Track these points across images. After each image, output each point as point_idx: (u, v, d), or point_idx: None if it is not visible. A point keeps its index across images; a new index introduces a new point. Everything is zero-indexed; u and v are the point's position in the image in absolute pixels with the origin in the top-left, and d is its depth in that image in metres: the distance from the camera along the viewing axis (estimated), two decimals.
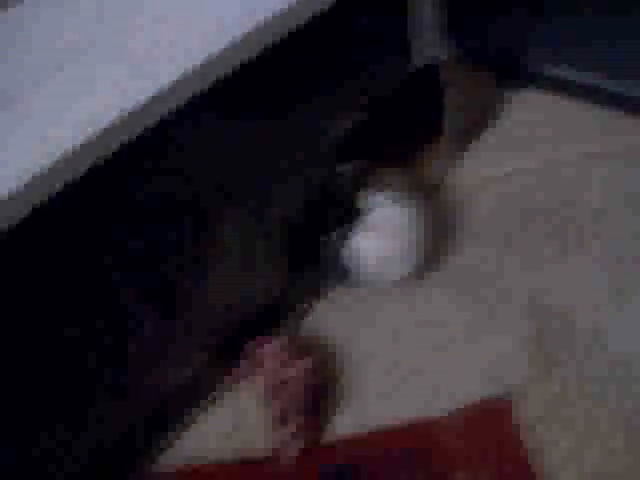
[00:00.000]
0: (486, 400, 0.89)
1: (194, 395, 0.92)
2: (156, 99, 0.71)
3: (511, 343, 0.93)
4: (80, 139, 0.66)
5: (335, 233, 0.96)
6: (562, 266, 1.01)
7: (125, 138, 0.69)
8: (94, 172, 0.67)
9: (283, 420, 0.86)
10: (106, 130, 0.67)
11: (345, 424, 0.89)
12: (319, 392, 0.90)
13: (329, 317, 1.00)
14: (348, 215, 0.96)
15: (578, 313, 0.95)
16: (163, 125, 0.72)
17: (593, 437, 0.83)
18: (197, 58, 0.73)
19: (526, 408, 0.87)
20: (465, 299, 0.99)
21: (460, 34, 1.10)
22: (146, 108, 0.70)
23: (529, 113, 1.23)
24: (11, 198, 0.62)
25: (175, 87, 0.71)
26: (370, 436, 0.88)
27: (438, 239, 1.04)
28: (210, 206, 0.83)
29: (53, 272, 0.69)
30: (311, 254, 0.98)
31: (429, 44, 1.00)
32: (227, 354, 0.93)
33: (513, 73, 1.28)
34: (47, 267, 0.69)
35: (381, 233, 0.96)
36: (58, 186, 0.65)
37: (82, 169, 0.66)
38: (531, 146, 1.18)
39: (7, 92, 0.72)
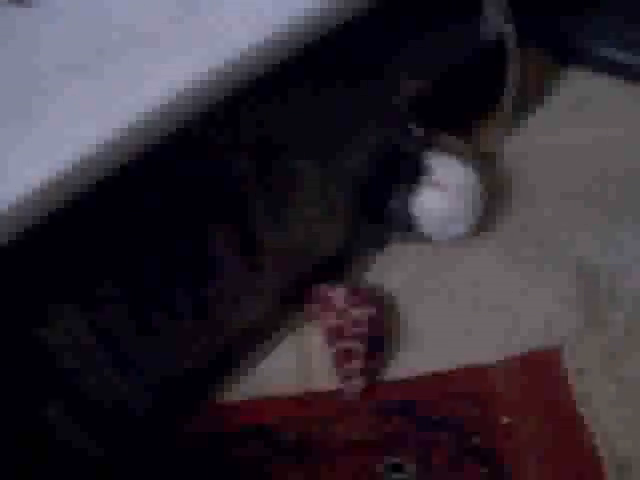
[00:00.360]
0: (536, 351, 0.95)
1: (263, 334, 0.99)
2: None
3: (559, 301, 1.00)
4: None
5: (401, 190, 1.02)
6: (611, 232, 1.07)
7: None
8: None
9: (347, 359, 0.93)
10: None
11: (402, 368, 0.96)
12: (381, 335, 0.97)
13: (390, 268, 1.06)
14: (413, 174, 1.03)
15: (626, 276, 1.01)
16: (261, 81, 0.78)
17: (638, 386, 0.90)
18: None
19: (574, 359, 0.93)
20: (514, 258, 1.05)
21: (518, 12, 1.15)
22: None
23: (579, 90, 1.29)
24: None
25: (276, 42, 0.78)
26: (427, 378, 0.94)
27: (492, 202, 1.10)
28: (289, 159, 0.90)
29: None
30: (377, 209, 1.04)
31: (498, 20, 1.06)
32: (295, 297, 0.99)
33: (566, 52, 1.34)
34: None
35: (444, 192, 1.02)
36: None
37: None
38: (580, 122, 1.24)
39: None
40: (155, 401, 0.89)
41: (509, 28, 1.09)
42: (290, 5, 0.81)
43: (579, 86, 1.30)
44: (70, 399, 0.77)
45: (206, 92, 0.74)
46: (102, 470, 0.84)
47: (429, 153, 1.05)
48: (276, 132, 0.85)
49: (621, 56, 1.29)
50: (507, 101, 1.16)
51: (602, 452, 0.85)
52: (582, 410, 0.89)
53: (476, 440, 0.89)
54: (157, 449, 0.90)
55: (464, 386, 0.94)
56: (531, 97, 1.25)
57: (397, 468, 0.88)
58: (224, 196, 0.85)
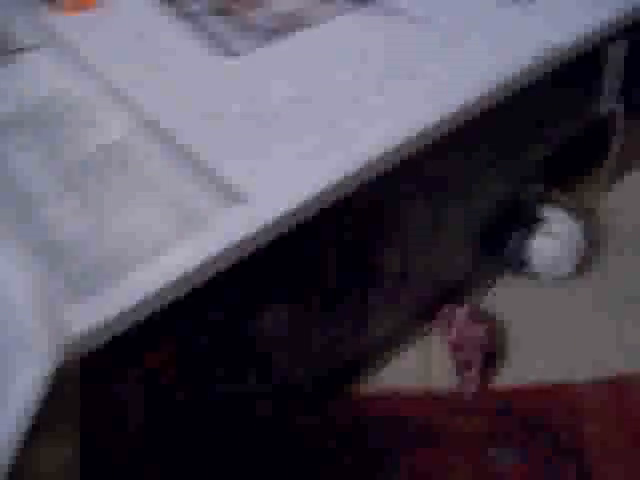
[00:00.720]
0: (624, 374, 1.16)
1: (397, 341, 1.22)
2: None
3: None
4: None
5: (518, 234, 1.26)
6: None
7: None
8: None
9: (465, 367, 1.15)
10: None
11: (508, 378, 1.17)
12: (493, 350, 1.19)
13: (503, 297, 1.28)
14: (530, 222, 1.26)
15: None
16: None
17: None
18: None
19: None
20: (604, 297, 1.27)
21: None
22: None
23: None
24: None
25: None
26: (528, 388, 1.16)
27: (592, 250, 1.32)
28: (436, 204, 1.12)
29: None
30: (497, 248, 1.27)
31: (611, 98, 1.28)
32: (425, 313, 1.22)
33: None
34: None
35: (554, 239, 1.25)
36: None
37: None
38: None
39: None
40: (312, 385, 1.13)
41: (619, 107, 1.30)
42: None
43: None
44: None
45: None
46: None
47: (543, 205, 1.28)
48: (438, 176, 1.08)
49: None
50: (609, 165, 1.38)
51: None
52: None
53: (566, 442, 1.11)
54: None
55: (559, 398, 1.15)
56: (630, 162, 1.47)
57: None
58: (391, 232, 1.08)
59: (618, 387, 1.15)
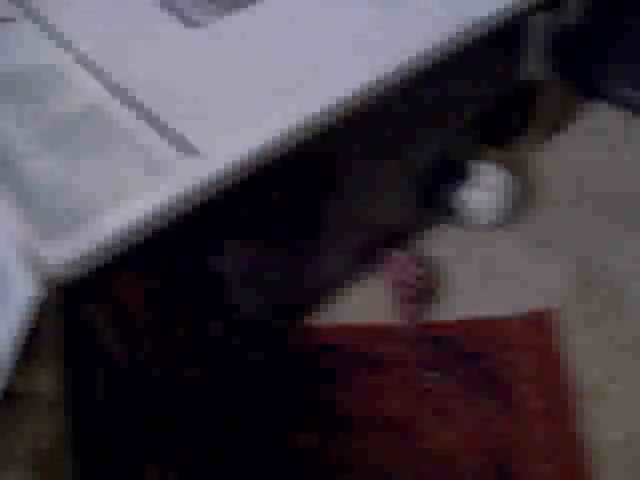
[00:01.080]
0: (540, 310, 1.31)
1: (344, 280, 1.37)
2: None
3: (559, 275, 1.37)
4: None
5: (453, 186, 1.41)
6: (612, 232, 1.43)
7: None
8: None
9: (404, 303, 1.30)
10: None
11: (442, 313, 1.32)
12: (430, 288, 1.34)
13: (438, 243, 1.43)
14: (464, 174, 1.41)
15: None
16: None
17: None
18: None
19: (570, 320, 1.29)
20: (529, 243, 1.42)
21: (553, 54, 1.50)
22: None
23: (598, 120, 1.65)
24: None
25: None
26: (459, 321, 1.31)
27: (520, 201, 1.47)
28: (375, 157, 1.26)
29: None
30: (433, 198, 1.42)
31: (536, 61, 1.42)
32: (369, 257, 1.37)
33: (590, 89, 1.69)
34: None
35: (484, 190, 1.40)
36: None
37: None
38: (597, 146, 1.60)
39: None
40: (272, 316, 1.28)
41: (545, 68, 1.45)
42: None
43: (599, 117, 1.65)
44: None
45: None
46: None
47: (476, 160, 1.42)
48: (376, 133, 1.21)
49: (635, 94, 1.64)
50: (539, 124, 1.52)
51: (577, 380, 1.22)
52: (566, 352, 1.25)
53: (486, 365, 1.25)
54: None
55: (487, 330, 1.30)
56: (558, 123, 1.61)
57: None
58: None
59: (536, 322, 1.30)
